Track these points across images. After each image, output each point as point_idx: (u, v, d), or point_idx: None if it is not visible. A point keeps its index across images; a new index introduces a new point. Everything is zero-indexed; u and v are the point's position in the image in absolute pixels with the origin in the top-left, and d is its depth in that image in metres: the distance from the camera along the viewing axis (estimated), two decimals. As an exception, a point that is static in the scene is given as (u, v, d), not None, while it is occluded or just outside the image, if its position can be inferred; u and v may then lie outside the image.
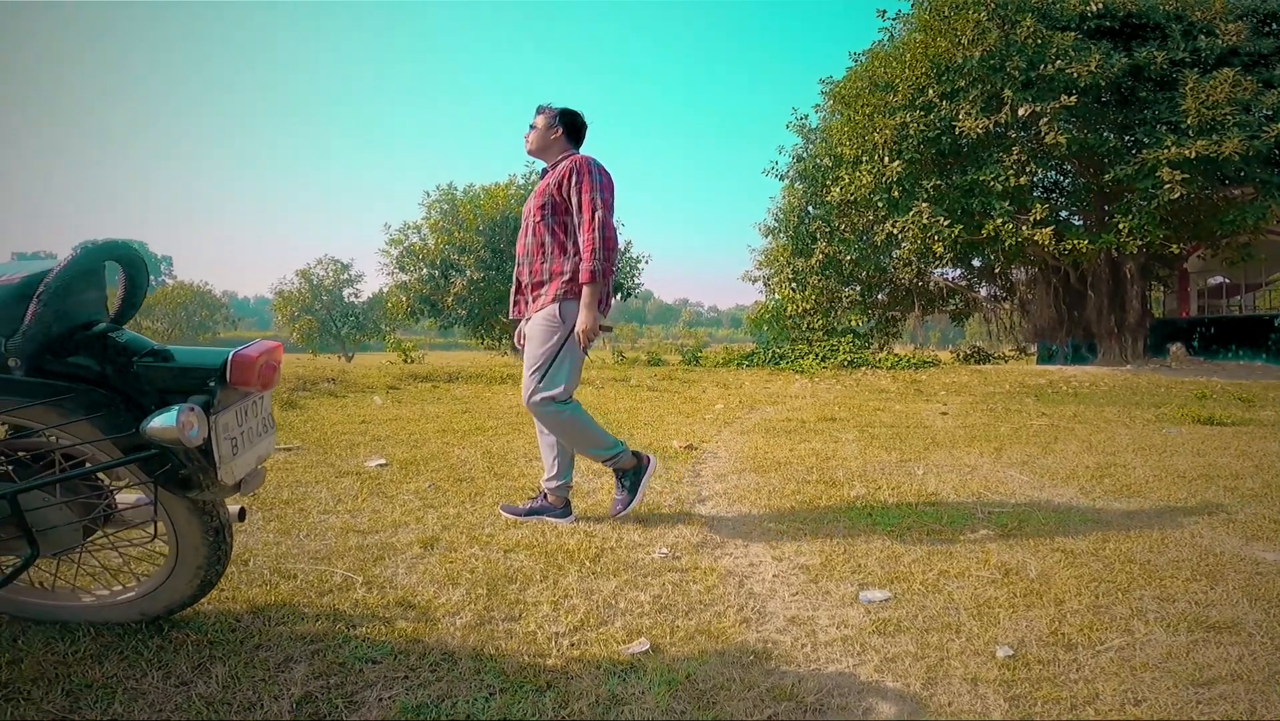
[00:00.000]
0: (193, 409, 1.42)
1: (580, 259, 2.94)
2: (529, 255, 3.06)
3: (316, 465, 4.13)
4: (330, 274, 45.60)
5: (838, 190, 16.37)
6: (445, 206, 25.29)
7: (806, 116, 19.74)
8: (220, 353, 1.57)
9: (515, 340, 3.24)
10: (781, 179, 20.16)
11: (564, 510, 3.08)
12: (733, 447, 5.04)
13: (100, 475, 1.63)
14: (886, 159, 14.93)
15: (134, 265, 1.66)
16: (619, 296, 27.65)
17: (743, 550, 2.70)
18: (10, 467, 1.62)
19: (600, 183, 2.94)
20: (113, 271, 1.70)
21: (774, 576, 2.43)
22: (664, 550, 2.65)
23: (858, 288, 19.68)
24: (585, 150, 3.17)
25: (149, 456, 1.48)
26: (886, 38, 17.49)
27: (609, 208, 2.94)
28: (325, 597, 2.12)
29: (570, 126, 3.12)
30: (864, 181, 15.33)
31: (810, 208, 19.38)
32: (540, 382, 2.93)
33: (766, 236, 21.38)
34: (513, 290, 3.16)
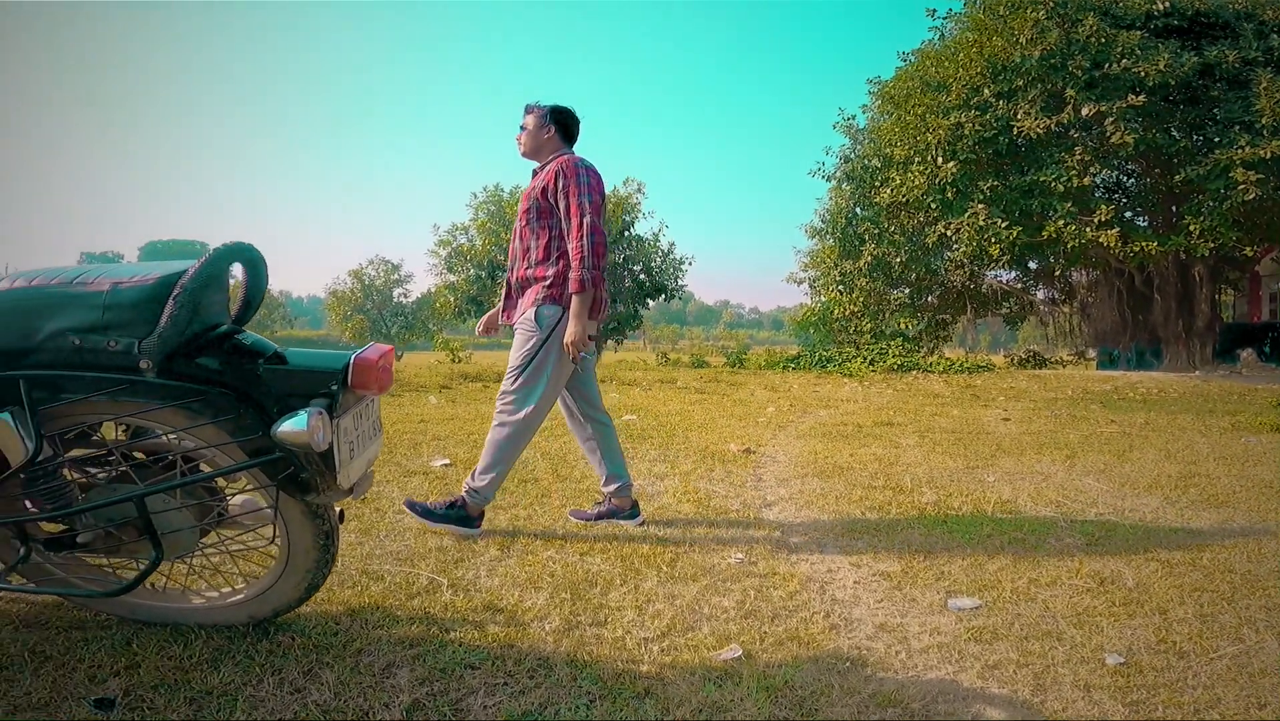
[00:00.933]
0: (320, 413, 1.43)
1: (562, 264, 2.85)
2: (516, 260, 3.00)
3: (384, 464, 4.21)
4: (381, 274, 46.36)
5: (888, 191, 16.09)
6: (492, 208, 25.57)
7: (854, 117, 19.42)
8: (341, 356, 1.57)
9: (477, 329, 3.29)
10: (828, 180, 19.90)
11: (632, 511, 3.08)
12: (790, 452, 4.99)
13: (219, 477, 1.66)
14: (940, 159, 14.61)
15: (257, 266, 1.68)
16: (662, 298, 27.59)
17: (818, 556, 2.67)
18: (129, 469, 1.66)
19: (588, 185, 2.82)
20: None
21: (855, 583, 2.40)
22: (739, 556, 2.64)
23: (907, 290, 19.32)
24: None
25: (273, 460, 1.50)
26: (937, 37, 17.15)
27: (598, 210, 2.83)
28: (414, 600, 2.15)
29: (562, 125, 2.99)
30: (916, 183, 15.03)
31: (858, 209, 19.07)
32: (515, 383, 2.87)
33: (813, 238, 21.11)
34: (503, 295, 3.09)
